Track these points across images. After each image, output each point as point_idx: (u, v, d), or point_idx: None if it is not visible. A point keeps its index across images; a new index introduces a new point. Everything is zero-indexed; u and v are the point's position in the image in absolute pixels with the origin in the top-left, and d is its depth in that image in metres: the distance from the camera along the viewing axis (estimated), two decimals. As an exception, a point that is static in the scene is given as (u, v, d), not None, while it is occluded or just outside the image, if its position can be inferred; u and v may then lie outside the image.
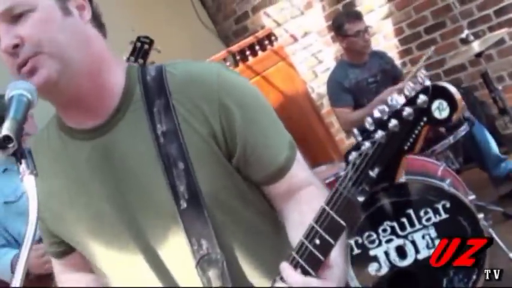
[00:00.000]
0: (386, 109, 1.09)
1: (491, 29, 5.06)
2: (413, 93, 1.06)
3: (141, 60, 3.16)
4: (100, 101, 1.42)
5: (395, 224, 3.29)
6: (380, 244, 3.31)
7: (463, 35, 4.28)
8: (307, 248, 1.25)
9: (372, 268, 3.32)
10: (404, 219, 3.27)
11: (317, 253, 1.24)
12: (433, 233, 3.23)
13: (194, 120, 1.39)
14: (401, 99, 1.08)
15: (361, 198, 1.16)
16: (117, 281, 1.54)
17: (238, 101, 1.41)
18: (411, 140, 1.08)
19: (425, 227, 3.25)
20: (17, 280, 1.10)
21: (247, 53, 5.71)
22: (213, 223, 1.40)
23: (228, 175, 1.44)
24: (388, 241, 3.30)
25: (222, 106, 1.39)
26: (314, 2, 5.99)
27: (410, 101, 1.06)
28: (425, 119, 1.06)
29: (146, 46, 3.20)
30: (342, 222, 1.19)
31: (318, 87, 6.06)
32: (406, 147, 1.09)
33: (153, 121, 1.40)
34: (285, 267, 1.29)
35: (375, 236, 3.31)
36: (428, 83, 1.05)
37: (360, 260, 3.33)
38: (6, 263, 3.05)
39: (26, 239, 1.12)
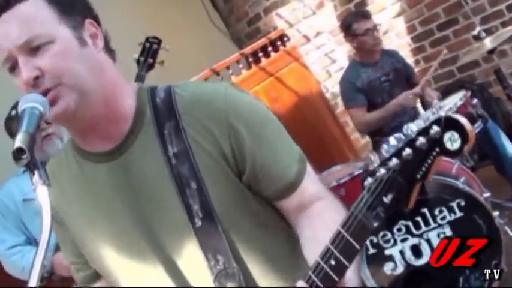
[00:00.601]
0: (402, 137, 1.13)
1: (504, 24, 5.03)
2: (427, 124, 1.10)
3: (150, 60, 3.22)
4: (114, 125, 1.46)
5: (410, 223, 3.29)
6: (395, 243, 3.32)
7: (476, 32, 4.27)
8: (322, 269, 1.28)
9: (388, 267, 3.33)
10: (419, 218, 3.28)
11: (332, 274, 1.27)
12: (448, 231, 3.23)
13: (204, 141, 1.43)
14: (415, 128, 1.12)
15: (375, 223, 1.20)
16: None
17: (246, 120, 1.44)
18: (424, 168, 1.12)
19: (440, 225, 3.25)
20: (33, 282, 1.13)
21: (260, 54, 5.72)
22: (228, 239, 1.44)
23: (239, 193, 1.47)
24: (404, 240, 3.30)
25: (230, 126, 1.42)
26: (326, 1, 6.00)
27: (424, 131, 1.10)
28: (437, 149, 1.10)
29: (155, 46, 3.25)
30: (356, 245, 1.23)
31: (332, 86, 6.06)
32: (419, 176, 1.13)
33: (164, 143, 1.44)
34: (301, 286, 1.32)
35: (390, 235, 3.31)
36: (442, 113, 1.08)
37: (376, 259, 3.34)
38: (31, 261, 3.07)
39: (39, 247, 1.15)
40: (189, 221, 1.42)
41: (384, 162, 1.16)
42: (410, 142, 1.12)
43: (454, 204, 3.21)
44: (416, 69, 5.31)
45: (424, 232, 3.26)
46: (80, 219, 1.56)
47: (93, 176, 1.52)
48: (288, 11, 6.11)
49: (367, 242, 3.32)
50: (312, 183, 1.52)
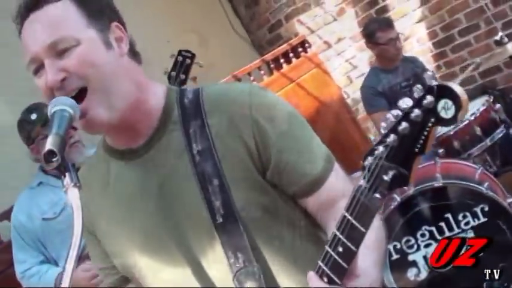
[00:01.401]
0: (400, 112, 1.11)
1: (527, 29, 5.01)
2: (420, 94, 1.07)
3: (182, 76, 3.13)
4: (141, 124, 1.49)
5: (433, 229, 3.30)
6: (419, 249, 3.32)
7: (497, 37, 4.26)
8: (331, 257, 1.27)
9: (411, 273, 3.33)
10: (442, 224, 3.28)
11: (341, 261, 1.25)
12: (471, 236, 3.22)
13: (228, 138, 1.45)
14: (411, 102, 1.09)
15: (378, 203, 1.17)
16: None
17: (270, 116, 1.46)
18: (421, 141, 1.09)
19: (463, 230, 3.25)
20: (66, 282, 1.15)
21: (281, 60, 5.73)
22: (249, 237, 1.44)
23: (262, 191, 1.48)
24: (427, 246, 3.30)
25: (255, 122, 1.44)
26: (347, 8, 6.01)
27: (418, 102, 1.07)
28: (432, 119, 1.06)
29: (188, 61, 3.15)
30: (362, 228, 1.20)
31: (353, 92, 6.05)
32: (417, 149, 1.10)
33: (189, 141, 1.46)
34: (311, 277, 1.32)
35: (413, 240, 3.32)
36: (434, 82, 1.05)
37: (399, 265, 3.34)
38: (49, 281, 3.06)
39: (71, 249, 1.16)
40: (211, 218, 1.43)
41: (381, 140, 1.13)
42: (406, 115, 1.09)
43: (477, 210, 3.21)
44: (437, 75, 5.30)
45: (448, 237, 3.25)
46: (106, 220, 1.58)
47: (119, 174, 1.55)
48: (309, 18, 6.12)
49: (391, 248, 3.32)
50: (339, 182, 1.50)
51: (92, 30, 1.40)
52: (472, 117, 3.94)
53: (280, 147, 1.45)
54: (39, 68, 1.38)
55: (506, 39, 4.19)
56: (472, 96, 4.67)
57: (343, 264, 1.25)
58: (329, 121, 5.60)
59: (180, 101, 1.52)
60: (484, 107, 3.96)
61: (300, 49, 5.95)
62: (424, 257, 3.30)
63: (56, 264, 3.15)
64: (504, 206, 3.21)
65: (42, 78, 1.38)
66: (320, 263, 1.29)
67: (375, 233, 1.32)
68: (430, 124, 1.07)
